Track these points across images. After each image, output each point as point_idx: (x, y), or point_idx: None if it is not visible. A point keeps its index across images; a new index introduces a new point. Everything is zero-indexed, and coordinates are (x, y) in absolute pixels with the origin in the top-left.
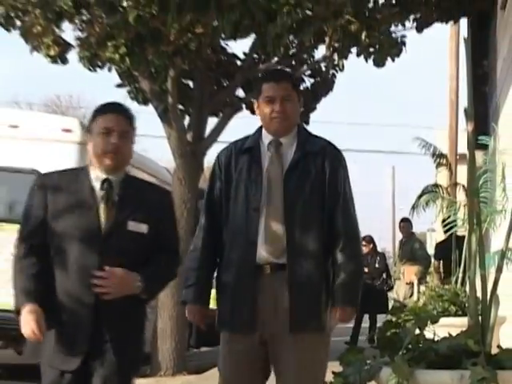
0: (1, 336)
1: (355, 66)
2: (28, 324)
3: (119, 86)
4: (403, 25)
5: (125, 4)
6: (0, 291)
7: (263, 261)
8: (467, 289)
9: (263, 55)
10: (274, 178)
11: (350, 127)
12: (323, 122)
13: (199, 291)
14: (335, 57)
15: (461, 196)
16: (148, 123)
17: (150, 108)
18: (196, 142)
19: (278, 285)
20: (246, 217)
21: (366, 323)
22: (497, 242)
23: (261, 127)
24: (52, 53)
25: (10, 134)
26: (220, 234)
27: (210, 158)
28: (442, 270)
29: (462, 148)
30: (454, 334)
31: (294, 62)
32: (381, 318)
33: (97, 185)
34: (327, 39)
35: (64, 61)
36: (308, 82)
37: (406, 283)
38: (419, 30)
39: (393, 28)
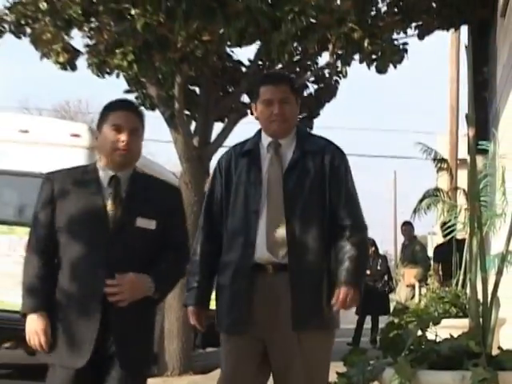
0: (11, 337)
1: (358, 71)
2: (36, 335)
3: (127, 91)
4: (405, 32)
5: (133, 12)
6: (10, 293)
7: (265, 261)
8: (468, 291)
9: (268, 62)
10: (274, 178)
11: (352, 132)
12: (326, 127)
13: (199, 295)
14: (338, 64)
15: (461, 200)
16: (155, 128)
17: (157, 113)
18: (202, 147)
19: (280, 285)
20: (244, 219)
21: (367, 324)
22: (497, 245)
23: (260, 130)
24: (61, 59)
25: (20, 138)
26: (220, 238)
27: (215, 162)
28: (441, 272)
29: (462, 153)
30: (455, 336)
31: (298, 69)
32: (382, 320)
33: (105, 182)
34: (331, 46)
35: (73, 67)
36: (312, 88)
37: (407, 286)
38: (421, 37)
39: (395, 35)
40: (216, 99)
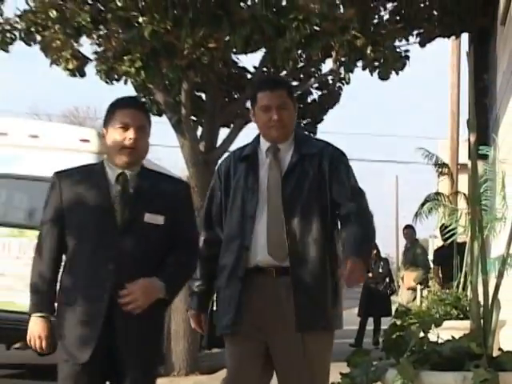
0: (21, 337)
1: (360, 78)
2: (37, 339)
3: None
4: (407, 40)
5: (140, 20)
6: (20, 294)
7: (267, 264)
8: (468, 293)
9: (273, 69)
10: (273, 183)
11: (354, 137)
12: (330, 132)
13: (198, 300)
14: (342, 70)
15: (462, 204)
16: (162, 133)
17: (164, 119)
18: (208, 152)
19: (282, 287)
20: (240, 223)
21: (369, 326)
22: (497, 248)
23: (259, 135)
24: (71, 66)
25: (31, 143)
26: (220, 242)
27: None
28: (440, 275)
29: (463, 158)
30: (456, 337)
31: (302, 76)
32: (384, 321)
33: (112, 179)
34: (334, 53)
35: (82, 74)
36: (315, 94)
37: (407, 289)
38: (422, 44)
39: (397, 43)
40: (222, 105)
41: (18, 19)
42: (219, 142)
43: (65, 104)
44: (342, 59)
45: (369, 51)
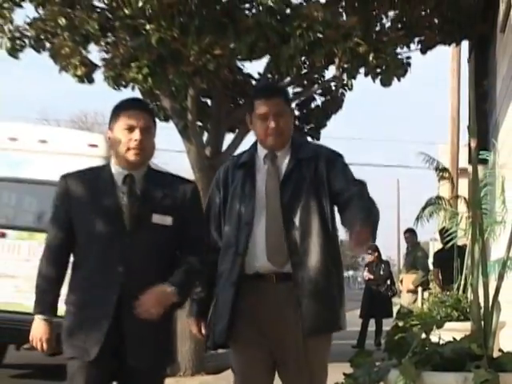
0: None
1: (362, 84)
2: (39, 342)
3: None
4: (408, 47)
5: (148, 27)
6: (29, 296)
7: (267, 270)
8: (469, 295)
9: (277, 75)
10: (271, 189)
11: (356, 142)
12: (333, 137)
13: (197, 307)
14: (344, 77)
15: (462, 208)
16: (169, 138)
17: (171, 124)
18: (214, 157)
19: (283, 293)
20: (237, 230)
21: (371, 327)
22: (496, 251)
23: (256, 142)
24: (79, 73)
25: (40, 148)
26: (219, 250)
27: None
28: (440, 277)
29: (463, 162)
30: (457, 338)
31: (305, 82)
32: (386, 323)
33: (119, 181)
34: (337, 60)
35: (90, 80)
36: (319, 100)
37: (406, 291)
38: (423, 51)
39: (399, 50)
40: (227, 111)
41: (27, 27)
42: (224, 147)
43: (73, 110)
44: (345, 66)
45: (371, 58)
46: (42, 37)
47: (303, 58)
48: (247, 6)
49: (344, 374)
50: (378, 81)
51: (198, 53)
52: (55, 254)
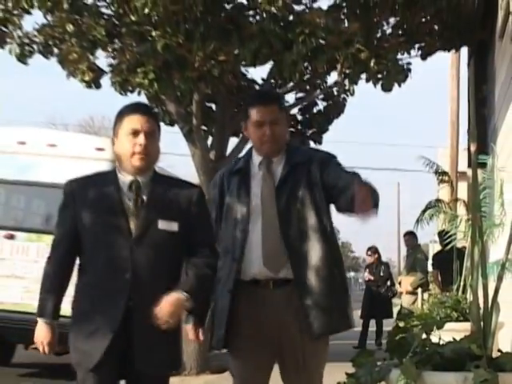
0: None
1: (364, 89)
2: (41, 345)
3: None
4: (409, 53)
5: (153, 34)
6: (37, 297)
7: (264, 276)
8: (468, 296)
9: (280, 80)
10: (267, 195)
11: (357, 146)
12: (335, 141)
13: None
14: (346, 82)
15: (461, 210)
16: (174, 142)
17: (176, 129)
18: (218, 160)
19: (281, 299)
20: (233, 237)
21: (371, 328)
22: (495, 253)
23: (251, 148)
24: (87, 78)
25: (49, 152)
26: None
27: None
28: (440, 278)
29: (462, 166)
30: (457, 339)
31: (308, 87)
32: (386, 323)
33: (125, 186)
34: (339, 66)
35: (98, 85)
36: (321, 105)
37: (406, 292)
38: (423, 57)
39: (399, 56)
40: (231, 115)
41: (36, 33)
42: (229, 150)
43: (80, 114)
44: (347, 71)
45: (372, 64)
46: (51, 43)
47: (306, 64)
48: (251, 13)
49: (346, 374)
50: (379, 86)
51: (203, 59)
52: (60, 259)
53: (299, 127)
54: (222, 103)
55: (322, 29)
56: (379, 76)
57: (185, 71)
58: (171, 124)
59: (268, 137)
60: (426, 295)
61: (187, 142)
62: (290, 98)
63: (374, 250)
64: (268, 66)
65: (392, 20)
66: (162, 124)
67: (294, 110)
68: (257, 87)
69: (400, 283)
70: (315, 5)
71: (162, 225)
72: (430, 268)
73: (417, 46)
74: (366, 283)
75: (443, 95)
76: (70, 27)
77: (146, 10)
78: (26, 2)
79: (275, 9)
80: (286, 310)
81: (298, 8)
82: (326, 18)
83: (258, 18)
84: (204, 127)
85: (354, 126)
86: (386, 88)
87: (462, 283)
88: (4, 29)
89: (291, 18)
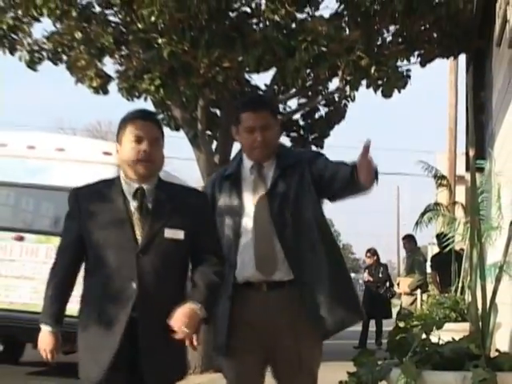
0: None
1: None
2: (44, 352)
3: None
4: (408, 60)
5: (160, 41)
6: None
7: (257, 279)
8: (466, 297)
9: (283, 87)
10: (259, 199)
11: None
12: (336, 146)
13: None
14: (347, 88)
15: (459, 213)
16: (179, 146)
17: (181, 133)
18: (222, 164)
19: (275, 301)
20: (228, 242)
21: (371, 328)
22: (493, 255)
23: (241, 151)
24: (94, 84)
25: (57, 156)
26: None
27: None
28: (438, 280)
29: (460, 170)
30: (456, 339)
31: (310, 93)
32: (385, 323)
33: (129, 194)
34: (340, 73)
35: (105, 91)
36: (323, 110)
37: (404, 294)
38: (423, 64)
39: (399, 63)
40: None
41: (45, 40)
42: (232, 154)
43: (88, 119)
44: (348, 78)
45: (373, 71)
46: (59, 50)
47: (308, 71)
48: (255, 21)
49: (348, 373)
50: (379, 92)
51: (208, 65)
52: (65, 267)
53: (301, 132)
54: (227, 109)
55: (324, 36)
56: (379, 82)
57: (190, 77)
58: (177, 129)
59: (259, 143)
60: (425, 296)
61: (192, 147)
62: (293, 103)
63: (373, 252)
64: (271, 72)
65: (392, 28)
66: (167, 129)
67: (297, 116)
68: (260, 93)
69: (398, 284)
70: (317, 13)
71: (168, 233)
72: (428, 269)
73: (416, 53)
74: (365, 284)
75: (442, 101)
76: (78, 35)
77: (153, 18)
78: (36, 10)
79: (278, 17)
80: (281, 313)
81: (300, 16)
82: (327, 26)
83: (261, 25)
84: (209, 132)
85: (354, 130)
86: (386, 94)
87: (460, 285)
88: (14, 36)
89: (294, 25)
